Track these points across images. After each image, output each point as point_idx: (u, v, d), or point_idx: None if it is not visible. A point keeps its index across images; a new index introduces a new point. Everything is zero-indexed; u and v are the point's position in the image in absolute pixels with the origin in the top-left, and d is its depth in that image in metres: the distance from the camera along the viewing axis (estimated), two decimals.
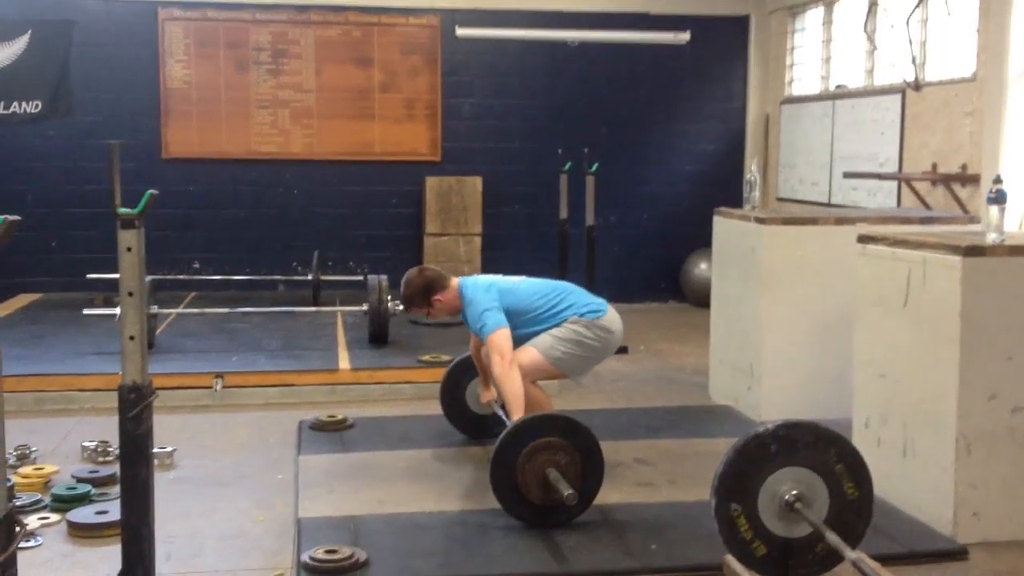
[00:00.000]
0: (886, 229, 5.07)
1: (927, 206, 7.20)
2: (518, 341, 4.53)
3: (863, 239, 4.59)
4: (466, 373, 5.09)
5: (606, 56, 9.95)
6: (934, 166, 7.32)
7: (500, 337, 4.39)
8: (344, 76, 9.69)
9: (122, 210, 2.91)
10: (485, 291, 4.58)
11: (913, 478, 4.19)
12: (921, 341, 4.15)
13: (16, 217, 2.31)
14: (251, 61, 9.56)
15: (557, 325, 4.59)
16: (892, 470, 4.24)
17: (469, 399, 5.13)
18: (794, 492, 3.26)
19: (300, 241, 9.68)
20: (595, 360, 4.71)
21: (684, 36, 9.92)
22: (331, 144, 9.74)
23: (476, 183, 9.64)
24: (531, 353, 4.50)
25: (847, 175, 8.34)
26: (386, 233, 9.91)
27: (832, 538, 3.21)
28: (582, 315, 4.61)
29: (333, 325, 7.83)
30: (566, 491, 3.84)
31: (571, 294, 4.71)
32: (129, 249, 2.90)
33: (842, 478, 3.31)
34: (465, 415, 5.15)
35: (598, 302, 4.73)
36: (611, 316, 4.70)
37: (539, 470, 3.95)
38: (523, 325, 4.57)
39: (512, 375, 4.30)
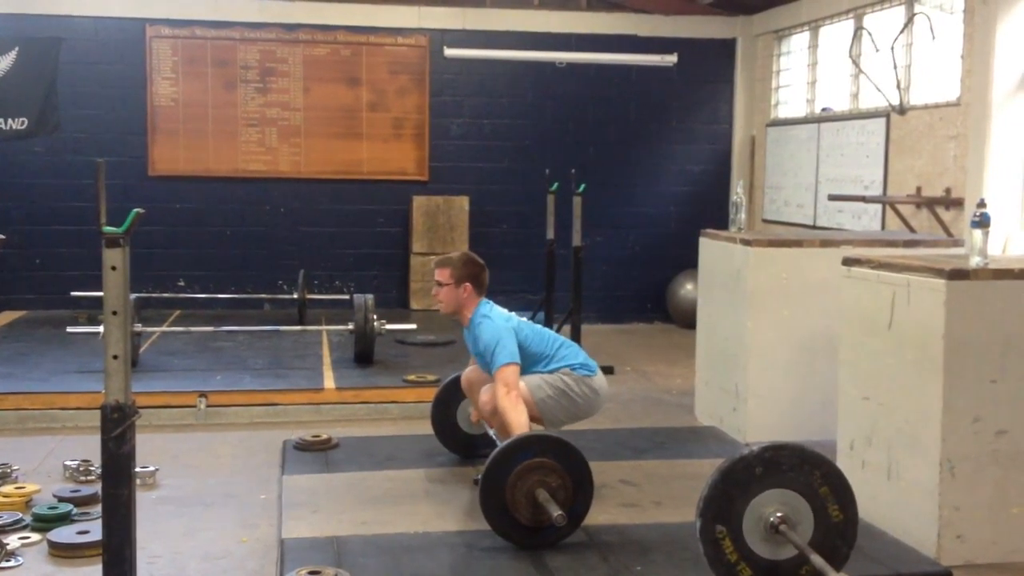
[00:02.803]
0: (871, 252, 5.10)
1: (911, 229, 7.24)
2: None
3: (848, 262, 4.61)
4: (458, 391, 5.08)
5: (594, 77, 10.00)
6: (918, 189, 7.36)
7: (512, 371, 4.38)
8: (332, 95, 9.70)
9: (107, 228, 2.90)
10: (506, 320, 4.56)
11: (897, 500, 4.19)
12: (905, 364, 4.17)
13: (1, 236, 2.30)
14: (239, 79, 9.56)
15: (549, 373, 4.58)
16: (877, 492, 4.25)
17: (460, 418, 5.11)
18: (779, 514, 3.27)
19: (286, 260, 9.67)
20: (575, 415, 4.65)
21: (671, 58, 9.98)
22: (318, 163, 9.74)
23: (463, 203, 9.66)
24: (519, 386, 4.47)
25: (832, 197, 8.38)
26: (373, 252, 9.90)
27: (817, 560, 3.21)
28: (574, 369, 4.59)
29: (318, 344, 7.81)
30: (555, 512, 3.83)
31: (569, 348, 4.70)
32: (114, 268, 2.89)
33: (827, 500, 3.31)
34: (455, 434, 5.13)
35: (592, 364, 4.70)
36: (600, 379, 4.69)
37: (529, 490, 3.94)
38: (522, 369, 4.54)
39: (519, 408, 4.30)
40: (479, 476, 4.06)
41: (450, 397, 5.13)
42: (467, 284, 4.59)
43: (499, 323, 4.51)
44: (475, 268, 4.64)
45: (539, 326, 4.83)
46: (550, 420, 4.57)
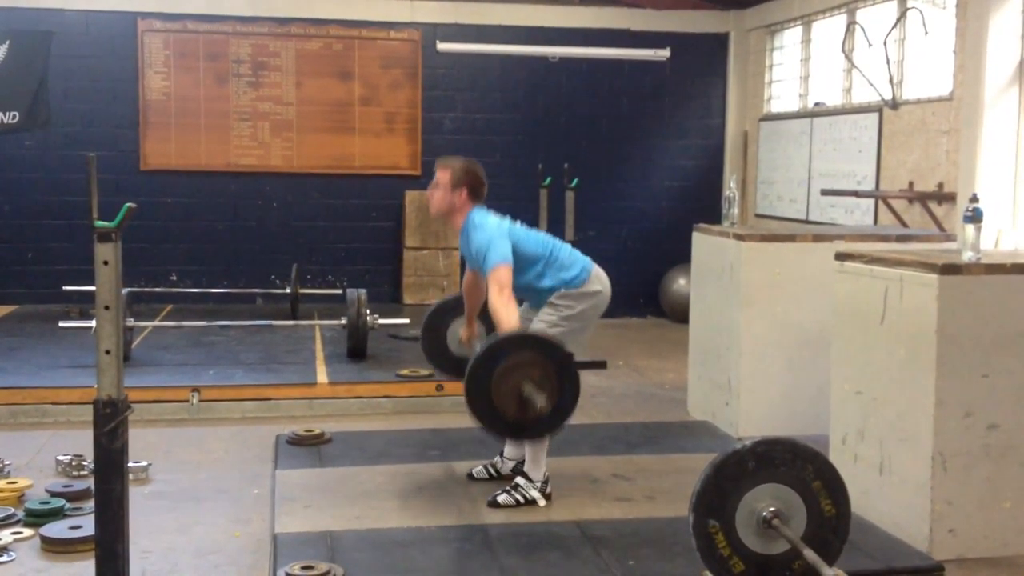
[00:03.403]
0: (863, 247, 5.11)
1: (904, 224, 7.25)
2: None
3: (840, 256, 4.61)
4: (449, 313, 4.99)
5: (587, 72, 10.00)
6: (911, 184, 7.38)
7: (503, 272, 4.27)
8: (324, 89, 9.68)
9: (99, 223, 2.90)
10: (497, 224, 4.47)
11: (890, 495, 4.20)
12: (898, 358, 4.17)
13: None
14: (231, 73, 9.54)
15: (548, 306, 4.47)
16: (869, 487, 4.26)
17: (450, 339, 5.02)
18: (772, 509, 3.27)
19: (279, 254, 9.65)
20: (588, 327, 4.61)
21: (664, 53, 9.98)
22: (311, 157, 9.73)
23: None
24: None
25: (825, 192, 8.39)
26: (365, 247, 9.89)
27: (809, 555, 3.22)
28: (570, 285, 4.51)
29: (311, 339, 7.80)
30: (540, 402, 3.85)
31: (562, 249, 4.61)
32: (106, 262, 2.89)
33: (819, 495, 3.31)
34: (445, 355, 5.04)
35: (588, 265, 4.63)
36: (597, 277, 4.62)
37: (514, 386, 3.93)
38: (516, 272, 4.43)
39: (510, 307, 4.21)
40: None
41: (439, 323, 5.03)
42: (463, 190, 4.50)
43: (491, 227, 4.42)
44: (475, 179, 4.54)
45: (534, 230, 4.73)
46: (574, 343, 4.48)
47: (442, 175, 4.51)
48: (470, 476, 4.74)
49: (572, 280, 4.53)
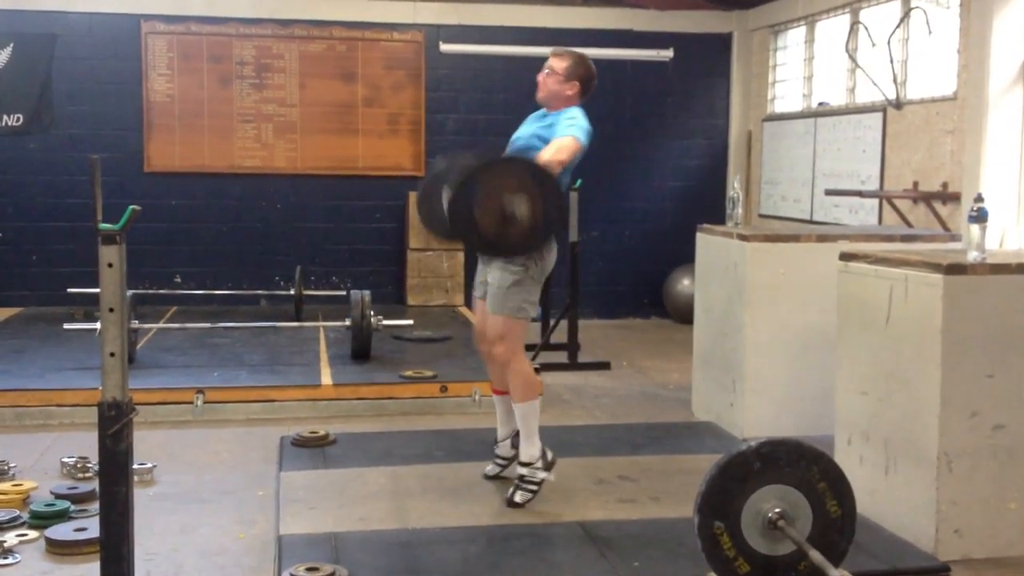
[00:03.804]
0: (868, 247, 5.10)
1: (908, 224, 7.24)
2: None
3: (845, 256, 4.61)
4: (443, 178, 4.90)
5: None
6: (915, 184, 7.36)
7: (574, 145, 4.30)
8: (328, 91, 9.68)
9: (104, 225, 2.89)
10: (588, 129, 4.49)
11: (895, 495, 4.20)
12: (903, 359, 4.17)
13: None
14: (234, 75, 9.54)
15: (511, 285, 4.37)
16: (874, 487, 4.25)
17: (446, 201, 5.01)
18: (777, 510, 3.26)
19: (283, 256, 9.66)
20: (537, 287, 4.52)
21: (667, 53, 9.98)
22: (314, 159, 9.73)
23: None
24: (498, 322, 4.36)
25: (829, 192, 8.38)
26: (369, 248, 9.89)
27: (815, 556, 3.22)
28: None
29: (315, 340, 7.80)
30: (520, 209, 3.88)
31: None
32: (110, 265, 2.88)
33: (825, 496, 3.31)
34: (442, 220, 4.99)
35: None
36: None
37: (496, 205, 3.95)
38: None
39: (555, 169, 4.21)
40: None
41: (433, 190, 4.95)
42: (576, 83, 4.54)
43: (585, 125, 4.46)
44: (589, 74, 4.57)
45: None
46: (523, 312, 4.43)
47: (557, 62, 4.54)
48: (486, 476, 4.76)
49: None
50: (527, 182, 4.02)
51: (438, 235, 4.99)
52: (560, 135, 4.38)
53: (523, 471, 4.40)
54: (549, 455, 4.45)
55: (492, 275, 4.44)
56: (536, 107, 4.76)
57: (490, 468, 4.77)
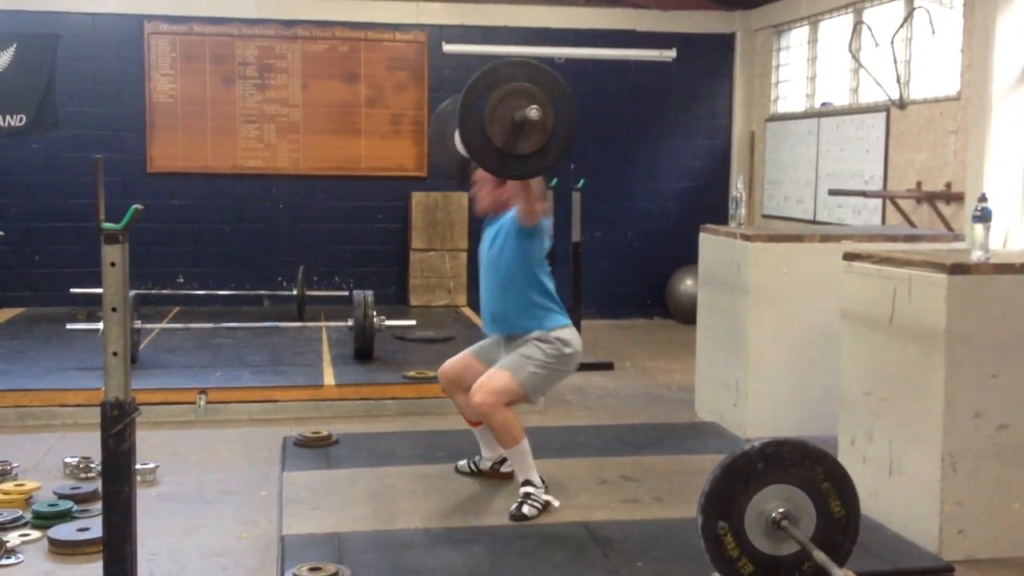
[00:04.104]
0: (871, 247, 5.09)
1: (912, 224, 7.23)
2: (495, 289, 4.46)
3: (849, 256, 4.60)
4: (451, 118, 4.80)
5: (592, 73, 9.98)
6: (919, 184, 7.35)
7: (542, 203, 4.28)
8: (330, 91, 9.68)
9: (106, 225, 2.89)
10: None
11: (899, 496, 4.19)
12: (907, 359, 4.16)
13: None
14: (237, 75, 9.54)
15: (525, 331, 4.39)
16: (878, 488, 4.24)
17: (458, 143, 4.98)
18: (781, 510, 3.26)
19: (285, 256, 9.66)
20: (555, 381, 4.54)
21: (670, 53, 9.94)
22: (317, 159, 9.73)
23: (462, 199, 9.63)
24: (502, 376, 4.33)
25: (832, 192, 8.37)
26: (372, 248, 9.89)
27: (819, 556, 3.21)
28: (548, 330, 4.41)
29: (318, 341, 7.80)
30: (530, 107, 3.83)
31: (554, 298, 4.55)
32: (113, 264, 2.88)
33: (829, 496, 3.31)
34: (455, 156, 4.90)
35: (565, 318, 4.53)
36: (572, 333, 4.51)
37: (506, 114, 3.90)
38: (521, 262, 4.39)
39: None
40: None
41: (443, 129, 4.98)
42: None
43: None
44: None
45: None
46: (536, 393, 4.44)
47: (484, 172, 4.46)
48: (456, 469, 4.85)
49: (555, 320, 4.43)
50: (530, 88, 3.95)
51: (456, 167, 4.94)
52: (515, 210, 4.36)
53: (529, 489, 4.34)
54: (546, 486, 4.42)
55: (519, 348, 4.39)
56: None
57: (462, 464, 4.84)
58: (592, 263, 9.48)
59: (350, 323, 7.05)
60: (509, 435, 4.30)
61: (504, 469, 4.69)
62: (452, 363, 4.68)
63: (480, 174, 4.48)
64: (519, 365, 4.34)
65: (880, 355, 4.33)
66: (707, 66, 10.22)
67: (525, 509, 4.26)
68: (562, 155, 4.09)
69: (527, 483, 4.34)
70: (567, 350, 4.41)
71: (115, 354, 2.88)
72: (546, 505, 4.31)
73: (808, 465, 3.30)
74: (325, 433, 5.43)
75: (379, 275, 9.80)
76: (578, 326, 7.76)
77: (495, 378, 4.33)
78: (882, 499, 4.22)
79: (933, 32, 7.25)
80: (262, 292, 9.53)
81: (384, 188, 9.84)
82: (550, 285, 4.50)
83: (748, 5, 9.97)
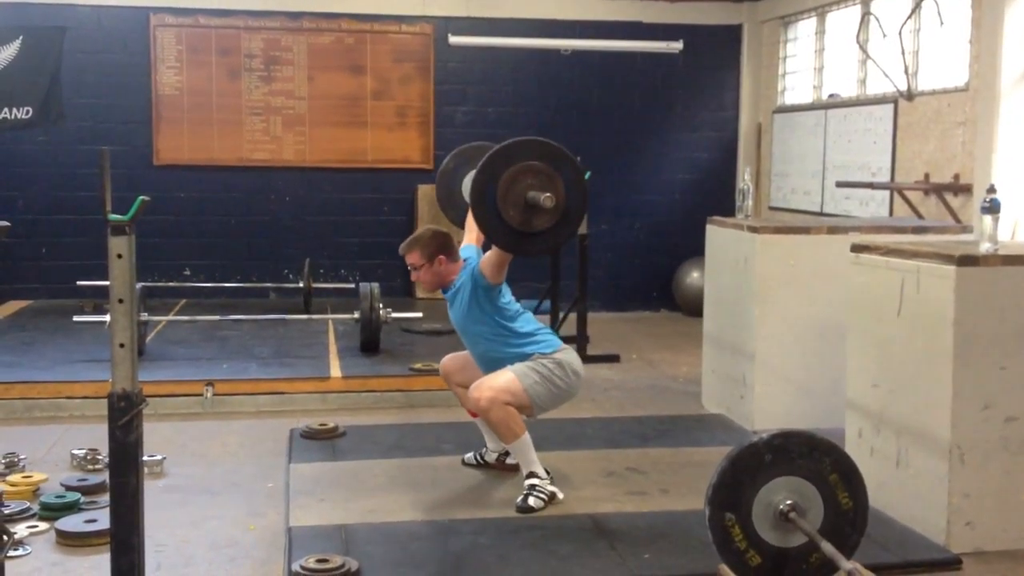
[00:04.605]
0: (879, 238, 5.07)
1: (920, 216, 7.21)
2: (483, 356, 4.51)
3: (856, 248, 4.58)
4: (465, 165, 4.97)
5: (599, 65, 9.96)
6: (926, 176, 7.33)
7: (494, 256, 4.30)
8: (336, 83, 9.67)
9: (113, 216, 2.89)
10: None
11: (907, 488, 4.18)
12: (915, 351, 4.15)
13: (5, 223, 2.28)
14: (243, 68, 9.53)
15: (524, 358, 4.42)
16: (886, 480, 4.24)
17: (464, 190, 4.99)
18: (789, 502, 3.25)
19: (291, 248, 9.66)
20: (559, 400, 4.52)
21: (677, 45, 9.94)
22: (323, 151, 9.72)
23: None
24: (507, 375, 4.35)
25: (839, 184, 8.34)
26: (378, 241, 9.88)
27: (827, 548, 3.20)
28: (548, 353, 4.45)
29: (324, 333, 7.80)
30: (543, 196, 3.94)
31: (539, 326, 4.58)
32: (120, 256, 2.88)
33: (836, 488, 3.30)
34: (459, 205, 5.04)
35: (559, 342, 4.56)
36: (575, 356, 4.55)
37: (519, 193, 4.01)
38: (496, 324, 4.43)
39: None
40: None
41: (456, 165, 5.10)
42: (440, 257, 4.50)
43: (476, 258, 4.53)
44: (441, 239, 4.54)
45: None
46: (537, 407, 4.44)
47: (412, 257, 4.52)
48: (463, 461, 4.86)
49: (552, 350, 4.45)
50: (546, 168, 4.05)
51: (450, 217, 5.10)
52: (477, 267, 4.39)
53: (535, 481, 4.34)
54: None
55: (527, 361, 4.40)
56: None
57: (469, 457, 4.86)
58: (598, 255, 9.47)
59: (356, 315, 7.05)
60: (509, 429, 4.31)
61: (510, 461, 4.69)
62: (453, 359, 4.75)
63: (409, 260, 4.53)
64: (524, 372, 4.37)
65: (888, 347, 4.32)
66: (714, 58, 10.19)
67: (531, 501, 4.26)
68: (575, 228, 4.22)
69: (531, 475, 4.34)
70: (570, 369, 4.44)
71: (122, 346, 2.89)
72: (552, 497, 4.31)
73: (816, 457, 3.29)
74: (332, 425, 5.43)
75: (385, 267, 9.79)
76: (584, 319, 7.80)
77: (499, 376, 4.34)
78: (890, 491, 4.21)
79: (941, 23, 7.22)
80: (268, 284, 9.54)
81: (390, 180, 9.83)
82: (529, 325, 4.51)
83: None
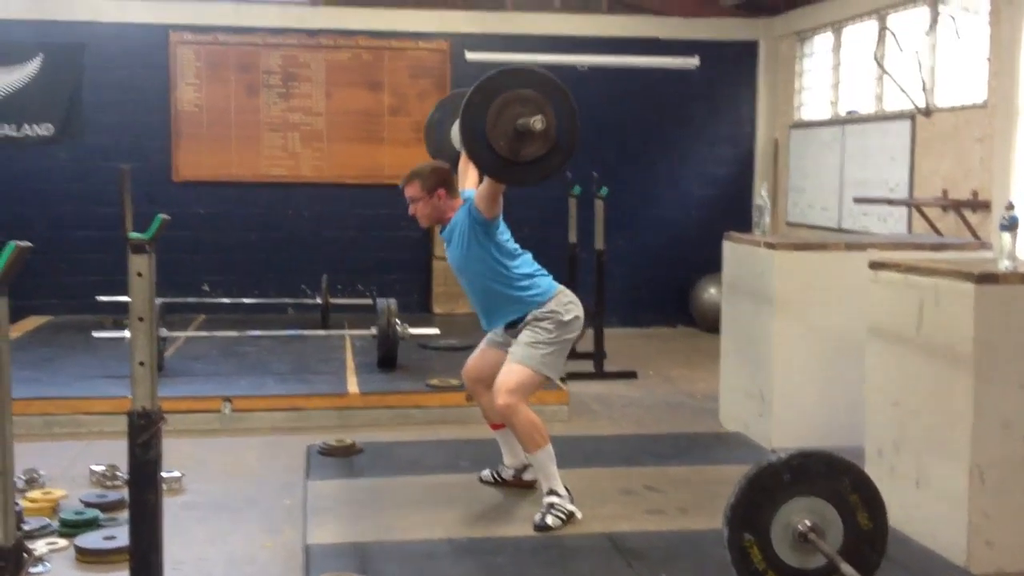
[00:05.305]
0: (898, 255, 5.05)
1: (938, 232, 7.18)
2: (481, 296, 4.46)
3: (875, 265, 4.56)
4: (451, 115, 4.84)
5: (616, 81, 9.96)
6: (945, 192, 7.30)
7: (487, 188, 4.23)
8: (354, 100, 9.72)
9: (133, 235, 2.91)
10: None
11: (927, 507, 4.15)
12: (934, 369, 4.12)
13: (27, 244, 2.30)
14: (262, 84, 9.60)
15: (522, 303, 4.38)
16: (905, 499, 4.20)
17: (454, 139, 4.95)
18: (808, 522, 3.24)
19: (309, 264, 9.69)
20: (568, 349, 4.50)
21: (693, 61, 9.92)
22: (340, 167, 9.77)
23: None
24: (514, 369, 4.32)
25: (857, 200, 8.32)
26: (395, 257, 9.91)
27: (847, 569, 3.18)
28: (544, 302, 4.38)
29: (342, 348, 7.81)
30: (534, 118, 3.84)
31: (539, 270, 4.55)
32: (140, 274, 2.89)
33: (856, 508, 3.28)
34: (450, 155, 4.99)
35: (556, 285, 4.51)
36: (570, 299, 4.47)
37: (509, 123, 3.92)
38: (494, 261, 4.39)
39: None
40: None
41: (443, 116, 5.02)
42: (439, 191, 4.47)
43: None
44: (442, 173, 4.52)
45: None
46: (557, 372, 4.41)
47: (412, 189, 4.49)
48: (480, 479, 4.83)
49: (545, 293, 4.43)
50: (535, 96, 3.97)
51: (449, 159, 4.95)
52: (472, 202, 4.35)
53: (553, 499, 4.31)
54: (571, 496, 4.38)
55: (522, 335, 4.39)
56: None
57: (485, 474, 4.83)
58: (615, 271, 9.45)
59: (374, 331, 7.06)
60: (531, 438, 4.29)
61: (526, 477, 4.68)
62: (472, 359, 4.70)
63: (408, 192, 4.50)
64: (529, 355, 4.33)
65: (907, 365, 4.29)
66: (730, 73, 10.19)
67: (549, 520, 4.24)
68: (566, 159, 4.10)
69: (552, 492, 4.31)
70: (566, 317, 4.39)
71: (142, 364, 2.90)
72: (570, 516, 4.29)
73: (835, 477, 3.27)
74: (349, 442, 5.43)
75: (402, 283, 9.82)
76: (601, 334, 7.79)
77: (512, 375, 4.31)
78: (909, 511, 4.18)
79: (959, 39, 7.20)
80: (286, 300, 9.57)
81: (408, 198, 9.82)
82: (525, 264, 4.46)
83: (771, 12, 9.94)
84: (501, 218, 4.43)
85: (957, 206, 7.10)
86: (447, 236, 4.55)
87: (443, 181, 4.50)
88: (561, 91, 4.07)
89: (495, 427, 4.70)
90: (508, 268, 4.41)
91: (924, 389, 4.19)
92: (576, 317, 4.46)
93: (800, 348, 5.64)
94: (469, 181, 4.72)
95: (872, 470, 4.19)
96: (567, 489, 4.36)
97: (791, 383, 5.65)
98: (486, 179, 4.23)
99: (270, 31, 9.57)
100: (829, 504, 3.26)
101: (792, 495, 3.24)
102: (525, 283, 4.42)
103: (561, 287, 4.52)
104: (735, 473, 3.48)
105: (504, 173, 4.06)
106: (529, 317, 4.39)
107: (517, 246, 4.53)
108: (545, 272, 4.55)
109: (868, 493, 3.30)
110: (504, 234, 4.47)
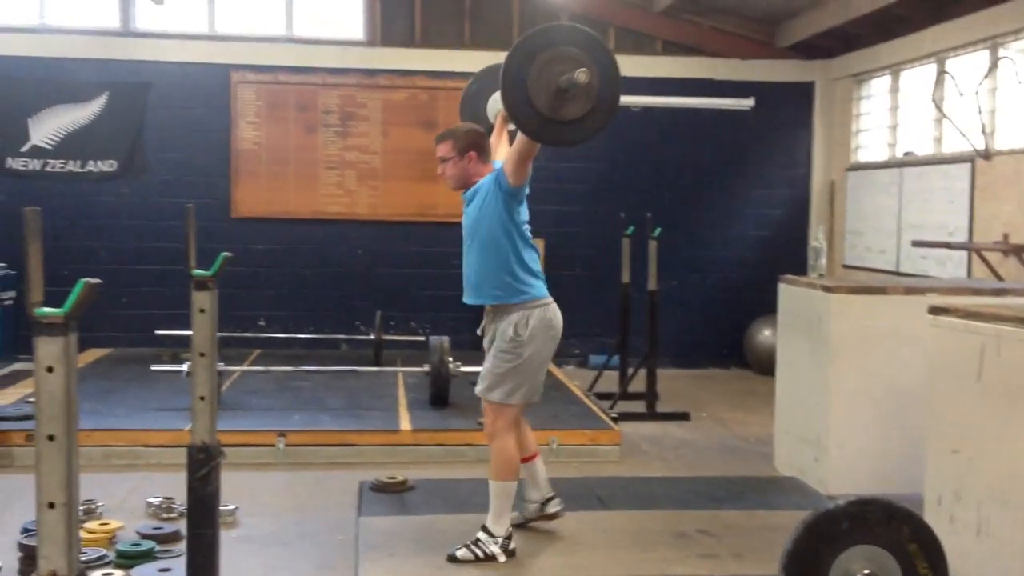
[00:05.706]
0: (958, 300, 4.98)
1: (999, 277, 7.07)
2: (475, 266, 4.46)
3: (934, 310, 4.50)
4: (490, 87, 4.81)
5: (669, 121, 9.98)
6: (1006, 236, 7.19)
7: (521, 147, 4.16)
8: (409, 138, 9.83)
9: (196, 272, 2.97)
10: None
11: (987, 559, 4.05)
12: (996, 416, 4.04)
13: (96, 280, 2.35)
14: (320, 123, 9.75)
15: (508, 289, 4.35)
16: (965, 550, 4.11)
17: (490, 111, 4.92)
18: (866, 572, 3.18)
19: (363, 301, 9.78)
20: (547, 359, 4.45)
21: (748, 102, 9.90)
22: (395, 205, 9.86)
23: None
24: (490, 411, 4.35)
25: (915, 244, 8.23)
26: (448, 294, 9.92)
27: None
28: (522, 307, 4.33)
29: (394, 385, 7.85)
30: (579, 71, 3.74)
31: (538, 272, 4.50)
32: (202, 310, 2.95)
33: (916, 558, 3.22)
34: (485, 127, 4.86)
35: (543, 294, 4.44)
36: (552, 314, 4.40)
37: (551, 80, 3.83)
38: (504, 233, 4.37)
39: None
40: None
41: (480, 88, 4.96)
42: (471, 153, 4.42)
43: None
44: (477, 135, 4.47)
45: None
46: (534, 389, 4.38)
47: (444, 148, 4.43)
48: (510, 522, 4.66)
49: (532, 297, 4.37)
50: (573, 52, 3.89)
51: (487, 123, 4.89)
52: (501, 168, 4.31)
53: (481, 535, 4.27)
54: (511, 544, 4.29)
55: (487, 360, 4.39)
56: None
57: (514, 516, 4.61)
58: (668, 311, 9.41)
59: (426, 368, 7.09)
60: (502, 469, 4.29)
61: (550, 510, 4.60)
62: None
63: (439, 151, 4.46)
64: (488, 385, 4.36)
65: (968, 412, 4.22)
66: (786, 115, 10.16)
67: (461, 552, 4.22)
68: (608, 118, 4.00)
69: (485, 529, 4.27)
70: (525, 341, 4.30)
71: (202, 398, 2.95)
72: (489, 558, 4.21)
73: (894, 526, 3.22)
74: (401, 478, 5.44)
75: (455, 321, 9.84)
76: (654, 375, 7.75)
77: (486, 411, 4.41)
78: (969, 562, 4.09)
79: (1019, 82, 7.13)
80: (340, 336, 9.65)
81: (460, 234, 9.87)
82: (530, 258, 4.43)
83: (827, 55, 9.91)
84: (525, 198, 4.38)
85: (1018, 251, 6.99)
86: (468, 197, 4.50)
87: (476, 144, 4.44)
88: (607, 52, 3.99)
89: (524, 460, 4.63)
90: (514, 248, 4.37)
91: (986, 437, 4.11)
92: (548, 332, 4.36)
93: (857, 393, 5.57)
94: (500, 154, 4.65)
95: (931, 518, 4.11)
96: (509, 535, 4.28)
97: (848, 428, 5.57)
98: (519, 139, 4.16)
99: (329, 71, 9.73)
100: (888, 553, 3.21)
101: (850, 543, 3.20)
102: (521, 275, 4.37)
103: (549, 299, 4.43)
104: (790, 519, 3.43)
105: (543, 131, 3.98)
106: (505, 315, 4.33)
107: (530, 236, 4.49)
108: (543, 277, 4.50)
109: (928, 542, 3.24)
110: (524, 215, 4.43)
